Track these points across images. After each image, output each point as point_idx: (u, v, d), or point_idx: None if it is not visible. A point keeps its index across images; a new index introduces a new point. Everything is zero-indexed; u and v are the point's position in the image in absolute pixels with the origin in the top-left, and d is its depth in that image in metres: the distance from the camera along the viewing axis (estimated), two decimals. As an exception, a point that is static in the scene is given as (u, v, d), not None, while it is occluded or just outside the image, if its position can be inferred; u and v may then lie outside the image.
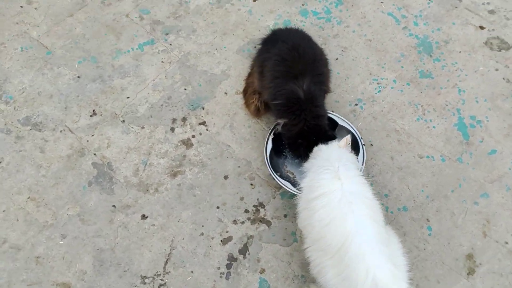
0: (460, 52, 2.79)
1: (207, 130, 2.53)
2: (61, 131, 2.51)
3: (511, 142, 2.49)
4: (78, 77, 2.67)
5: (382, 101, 2.62)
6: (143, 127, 2.53)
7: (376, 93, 2.64)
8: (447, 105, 2.61)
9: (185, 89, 2.65)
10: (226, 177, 2.40)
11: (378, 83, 2.68)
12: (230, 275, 2.17)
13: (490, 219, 2.30)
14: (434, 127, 2.54)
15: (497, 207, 2.33)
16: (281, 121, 2.27)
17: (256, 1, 2.96)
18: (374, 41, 2.83)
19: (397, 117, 2.57)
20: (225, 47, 2.79)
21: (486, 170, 2.42)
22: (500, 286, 2.15)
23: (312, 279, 2.06)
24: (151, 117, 2.56)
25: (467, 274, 2.18)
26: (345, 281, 1.74)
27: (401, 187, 2.38)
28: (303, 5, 2.96)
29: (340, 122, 2.43)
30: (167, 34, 2.83)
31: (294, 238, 2.26)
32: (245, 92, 2.60)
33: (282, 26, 2.83)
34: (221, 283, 2.15)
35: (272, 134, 2.41)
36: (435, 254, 2.22)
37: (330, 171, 1.91)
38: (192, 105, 2.60)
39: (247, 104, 2.54)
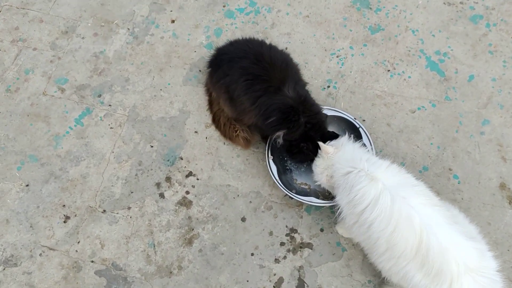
0: (394, -6, 2.72)
1: (197, 179, 2.26)
2: (40, 254, 2.11)
3: (481, 61, 2.50)
4: (27, 185, 2.25)
5: (350, 72, 2.50)
6: (129, 208, 2.20)
7: (341, 67, 2.51)
8: (409, 51, 2.55)
9: (152, 146, 2.33)
10: (243, 219, 2.17)
11: (337, 56, 2.54)
12: (302, 317, 2.00)
13: (502, 142, 2.31)
14: (409, 77, 2.48)
15: (501, 128, 2.34)
16: (280, 133, 2.07)
17: (175, 22, 2.66)
18: (312, 15, 2.66)
19: (372, 82, 2.47)
20: (169, 84, 2.49)
21: (474, 97, 2.41)
22: (539, 199, 2.18)
23: (382, 280, 1.96)
24: (132, 192, 2.23)
25: (509, 203, 2.18)
26: (437, 277, 1.63)
27: (411, 148, 2.30)
28: (224, 6, 2.70)
29: (329, 113, 2.27)
30: (99, 95, 2.46)
31: (342, 247, 2.11)
32: (216, 122, 2.35)
33: (221, 41, 2.59)
34: (297, 330, 1.97)
35: (270, 153, 2.21)
36: (473, 199, 2.19)
37: (363, 175, 1.76)
38: (168, 160, 2.30)
39: (230, 138, 2.30)
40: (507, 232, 2.11)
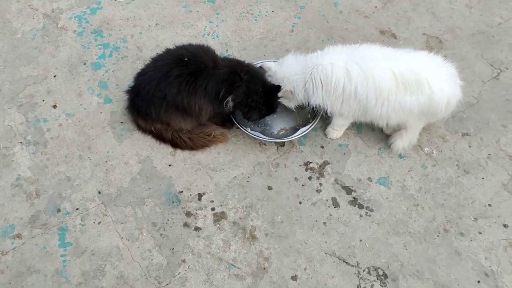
0: None
1: (209, 194, 2.30)
2: None
3: None
4: (77, 332, 1.97)
5: (228, 37, 2.76)
6: (183, 261, 2.12)
7: (218, 39, 2.75)
8: (249, -4, 2.93)
9: (147, 205, 2.25)
10: (270, 188, 2.32)
11: (208, 34, 2.77)
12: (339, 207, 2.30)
13: (356, 8, 2.90)
14: (267, 12, 2.87)
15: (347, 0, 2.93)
16: (228, 98, 2.24)
17: (57, 105, 2.49)
18: (160, 20, 2.81)
19: (249, 33, 2.78)
20: (108, 152, 2.37)
21: (315, -6, 2.94)
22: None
23: (386, 138, 2.40)
24: (173, 249, 2.14)
25: (395, 38, 2.79)
26: (419, 88, 2.11)
27: (315, 53, 2.73)
28: (85, 64, 2.63)
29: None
30: (58, 210, 2.20)
31: (345, 145, 2.45)
32: (180, 144, 2.38)
33: (113, 89, 2.56)
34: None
35: (244, 127, 2.40)
36: (375, 52, 2.73)
37: (323, 67, 2.17)
38: (173, 202, 2.25)
39: (203, 145, 2.41)
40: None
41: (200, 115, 2.28)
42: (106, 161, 2.36)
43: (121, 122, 2.47)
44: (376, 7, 2.90)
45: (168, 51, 2.30)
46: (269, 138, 2.38)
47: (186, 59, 2.17)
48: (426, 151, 2.44)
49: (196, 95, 2.20)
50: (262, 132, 2.46)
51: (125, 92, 2.38)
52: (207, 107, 2.26)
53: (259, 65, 2.48)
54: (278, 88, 2.28)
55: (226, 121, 2.44)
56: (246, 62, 2.34)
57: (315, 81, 2.20)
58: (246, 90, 2.23)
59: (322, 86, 2.19)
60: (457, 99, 2.23)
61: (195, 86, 2.19)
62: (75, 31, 2.75)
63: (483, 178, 2.36)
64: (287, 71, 2.29)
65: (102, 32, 2.75)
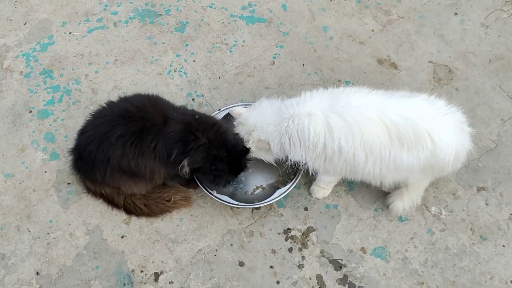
0: None
1: (169, 272, 1.91)
2: None
3: None
4: None
5: (198, 74, 2.36)
6: None
7: (186, 77, 2.35)
8: (223, 22, 2.51)
9: (95, 288, 1.88)
10: (241, 264, 1.92)
11: (175, 71, 2.36)
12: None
13: (348, 32, 2.46)
14: (244, 41, 2.45)
15: (338, 23, 2.49)
16: (184, 162, 1.84)
17: (-5, 163, 2.15)
18: (120, 56, 2.41)
19: (222, 67, 2.37)
20: (51, 221, 2.00)
21: (300, 18, 2.52)
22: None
23: (384, 197, 1.97)
24: None
25: (395, 68, 2.36)
26: (418, 142, 1.68)
27: (299, 90, 2.27)
28: (31, 112, 2.26)
29: (222, 114, 2.12)
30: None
31: (333, 206, 2.03)
32: (134, 210, 2.00)
33: (61, 143, 2.19)
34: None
35: (209, 190, 1.99)
36: (372, 85, 2.30)
37: (300, 118, 1.76)
38: (124, 285, 1.88)
39: (163, 211, 2.02)
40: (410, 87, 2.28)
41: (152, 178, 1.90)
42: (48, 233, 2.00)
43: (68, 183, 2.10)
44: (373, 30, 2.46)
45: (110, 105, 1.92)
46: (239, 204, 1.96)
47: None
48: (433, 212, 2.00)
49: (143, 158, 1.82)
50: (234, 192, 2.06)
51: (68, 151, 2.00)
52: (159, 170, 1.87)
53: (227, 110, 2.07)
54: (245, 151, 1.88)
55: (190, 181, 2.05)
56: (206, 114, 1.95)
57: (291, 136, 1.78)
58: (206, 155, 1.83)
59: (300, 141, 1.78)
60: (467, 150, 1.80)
61: (141, 147, 1.80)
62: (22, 72, 2.38)
63: (503, 246, 1.92)
64: (260, 119, 1.87)
65: (53, 72, 2.38)
